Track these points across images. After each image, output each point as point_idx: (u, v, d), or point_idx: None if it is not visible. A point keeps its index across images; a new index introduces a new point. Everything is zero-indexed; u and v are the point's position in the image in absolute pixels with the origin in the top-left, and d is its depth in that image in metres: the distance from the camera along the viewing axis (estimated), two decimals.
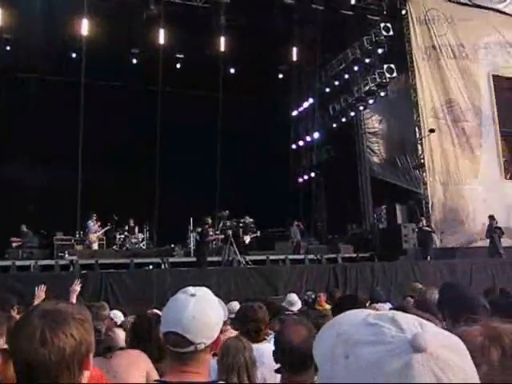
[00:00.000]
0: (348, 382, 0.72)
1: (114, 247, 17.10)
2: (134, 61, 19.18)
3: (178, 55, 19.28)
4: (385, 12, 18.05)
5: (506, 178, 18.64)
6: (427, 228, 16.30)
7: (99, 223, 16.74)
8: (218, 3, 16.08)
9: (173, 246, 16.77)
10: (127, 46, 18.82)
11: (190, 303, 1.84)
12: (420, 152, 17.64)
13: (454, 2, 18.97)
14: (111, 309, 6.43)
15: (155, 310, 5.45)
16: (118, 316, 5.99)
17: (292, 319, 3.46)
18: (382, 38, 18.13)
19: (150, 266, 13.98)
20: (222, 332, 1.97)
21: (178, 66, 19.64)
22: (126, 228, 17.61)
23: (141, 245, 17.77)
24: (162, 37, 16.78)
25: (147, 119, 18.27)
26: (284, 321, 3.66)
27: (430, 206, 17.09)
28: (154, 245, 18.00)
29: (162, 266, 13.96)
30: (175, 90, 19.11)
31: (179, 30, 17.02)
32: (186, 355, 1.84)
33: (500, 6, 19.95)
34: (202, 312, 1.84)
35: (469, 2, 19.25)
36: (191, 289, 1.92)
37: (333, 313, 4.38)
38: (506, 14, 20.08)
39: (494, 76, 19.25)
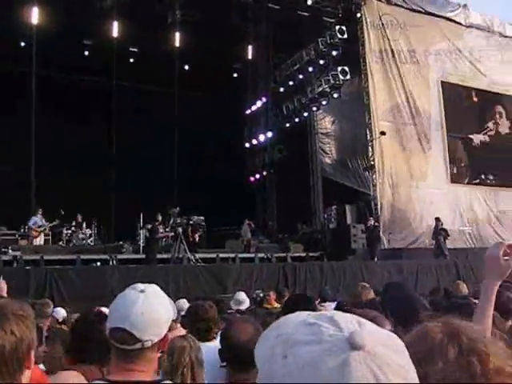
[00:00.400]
0: (286, 382, 0.71)
1: (61, 243, 16.62)
2: (87, 53, 18.73)
3: (131, 49, 18.96)
4: (340, 15, 18.26)
5: (451, 182, 19.16)
6: (375, 228, 16.60)
7: (45, 219, 16.28)
8: None
9: (121, 242, 16.49)
10: (80, 36, 18.36)
11: (139, 299, 1.79)
12: (370, 154, 17.92)
13: (407, 9, 19.37)
14: (56, 306, 6.26)
15: (102, 308, 5.31)
16: (60, 314, 5.83)
17: (239, 317, 3.43)
18: (337, 40, 18.34)
19: (98, 263, 13.68)
20: (170, 330, 1.92)
21: (132, 60, 19.30)
22: (74, 224, 17.16)
23: (88, 241, 17.34)
24: (115, 29, 16.47)
25: (100, 112, 17.94)
26: (230, 319, 3.62)
27: (378, 207, 17.38)
28: (102, 241, 17.63)
29: (110, 263, 13.67)
30: (129, 83, 18.81)
31: (134, 24, 16.73)
32: (133, 353, 1.78)
33: (451, 15, 20.53)
34: (151, 309, 1.79)
35: (421, 10, 19.71)
36: (140, 285, 1.87)
37: (283, 312, 4.37)
38: (456, 22, 20.68)
39: (442, 82, 19.79)
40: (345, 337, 0.72)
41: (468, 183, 19.89)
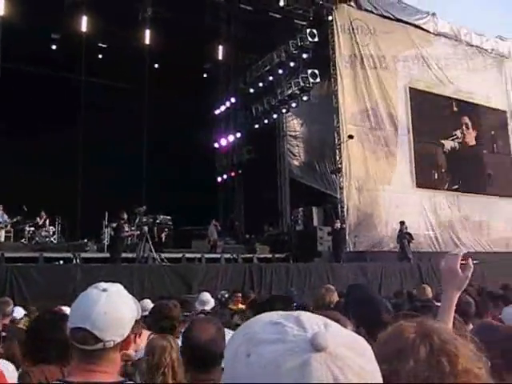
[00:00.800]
0: (248, 381, 0.71)
1: (23, 240, 16.28)
2: (54, 47, 18.38)
3: (100, 44, 18.68)
4: (311, 18, 18.36)
5: (416, 186, 19.46)
6: (341, 231, 16.74)
7: (6, 215, 15.91)
8: None
9: (85, 240, 16.23)
10: (47, 30, 17.99)
11: (102, 298, 1.75)
12: (338, 157, 18.05)
13: (377, 15, 19.61)
14: (16, 305, 6.12)
15: (63, 307, 5.19)
16: (20, 312, 5.70)
17: (201, 318, 3.41)
18: (308, 43, 18.41)
19: (61, 261, 13.42)
20: (134, 331, 1.88)
21: (101, 55, 19.02)
22: (37, 221, 16.81)
23: (51, 238, 17.02)
24: (84, 24, 16.21)
25: (67, 108, 17.63)
26: (192, 319, 3.60)
27: (345, 210, 17.52)
28: (66, 239, 17.33)
29: (74, 262, 13.43)
30: (97, 80, 18.54)
31: (103, 19, 16.48)
32: (94, 353, 1.74)
33: (420, 22, 20.87)
34: (114, 308, 1.75)
35: (391, 16, 19.99)
36: (103, 284, 1.83)
37: (252, 312, 4.36)
38: (425, 30, 21.03)
39: (410, 88, 20.09)
40: (308, 337, 0.73)
41: (448, 189, 20.29)
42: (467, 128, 21.98)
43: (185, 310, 5.43)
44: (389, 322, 2.82)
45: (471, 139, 22.07)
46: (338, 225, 16.72)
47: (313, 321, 0.76)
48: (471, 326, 3.61)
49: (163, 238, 16.00)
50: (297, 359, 0.70)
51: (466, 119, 21.99)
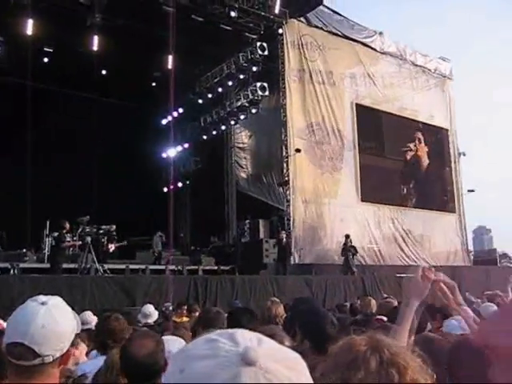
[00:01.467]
0: None
1: None
2: None
3: (46, 49, 18.20)
4: (262, 32, 18.50)
5: (361, 200, 19.82)
6: (286, 243, 16.83)
7: None
8: (94, 0, 15.45)
9: (25, 250, 15.69)
10: None
11: (40, 312, 1.67)
12: (285, 170, 18.21)
13: (326, 31, 19.99)
14: None
15: (0, 321, 4.95)
16: None
17: (140, 331, 3.34)
18: (258, 56, 18.54)
19: None
20: (73, 345, 1.81)
21: (46, 60, 18.54)
22: None
23: None
24: (30, 27, 15.73)
25: (12, 113, 17.11)
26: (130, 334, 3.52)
27: (291, 222, 17.65)
28: (4, 248, 16.70)
29: (11, 272, 12.95)
30: (42, 85, 18.05)
31: (50, 23, 16.05)
32: (32, 369, 1.67)
33: (367, 40, 21.41)
34: (53, 322, 1.68)
35: (340, 33, 20.41)
36: (42, 297, 1.75)
37: (196, 325, 4.29)
38: (372, 48, 21.58)
39: (356, 104, 20.53)
40: (239, 352, 0.76)
41: (391, 204, 20.75)
42: (420, 142, 22.65)
43: (128, 323, 5.28)
44: (333, 336, 2.86)
45: (423, 154, 22.76)
46: (284, 236, 16.80)
47: (247, 337, 0.80)
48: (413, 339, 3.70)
49: (111, 250, 15.62)
50: (228, 373, 0.73)
51: (419, 134, 22.67)
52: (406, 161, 22.20)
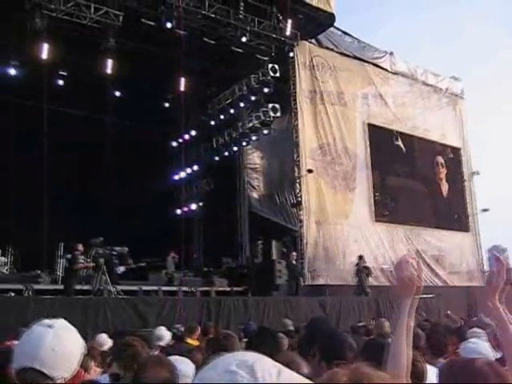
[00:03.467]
0: None
1: None
2: (13, 72, 18.05)
3: (61, 72, 18.49)
4: (273, 54, 18.66)
5: (375, 221, 19.73)
6: (297, 263, 16.78)
7: None
8: (108, 25, 15.70)
9: (39, 272, 15.74)
10: (6, 56, 17.68)
11: (49, 335, 1.68)
12: (298, 190, 18.21)
13: (337, 53, 20.15)
14: None
15: (15, 342, 4.95)
16: None
17: (153, 358, 3.31)
18: (269, 77, 18.66)
19: (12, 293, 12.94)
20: (86, 369, 1.81)
21: (61, 83, 18.82)
22: None
23: (3, 270, 16.49)
24: (45, 52, 15.98)
25: (27, 135, 17.34)
26: (143, 361, 3.50)
27: (304, 243, 17.59)
28: (18, 270, 16.79)
29: (25, 294, 12.99)
30: (57, 107, 18.30)
31: (65, 47, 16.33)
32: None
33: (378, 61, 21.56)
34: (61, 344, 1.68)
35: (350, 54, 20.56)
36: (47, 320, 1.76)
37: (207, 348, 4.26)
38: (382, 68, 21.68)
39: (368, 124, 20.56)
40: None
41: (406, 223, 20.65)
42: (442, 167, 22.68)
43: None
44: (349, 360, 2.82)
45: (443, 177, 22.77)
46: (294, 257, 16.73)
47: (266, 368, 0.80)
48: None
49: (119, 271, 15.63)
50: None
51: (440, 159, 22.70)
52: (426, 183, 22.18)
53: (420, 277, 1.90)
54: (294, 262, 16.67)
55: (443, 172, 22.85)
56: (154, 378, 2.38)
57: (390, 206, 20.56)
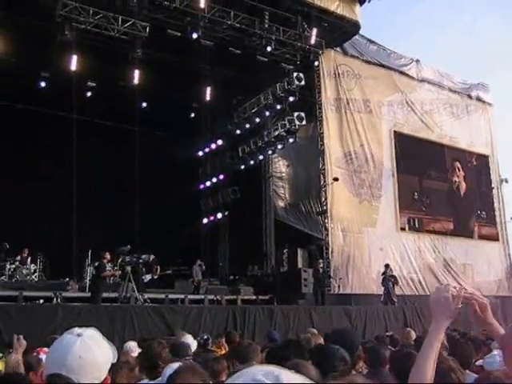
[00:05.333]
0: None
1: (3, 278, 16.01)
2: (43, 84, 18.47)
3: (89, 83, 18.83)
4: (298, 62, 18.70)
5: (401, 229, 19.56)
6: (323, 272, 16.71)
7: None
8: (135, 36, 15.96)
9: (67, 279, 15.97)
10: (37, 68, 18.10)
11: (76, 343, 1.74)
12: (323, 199, 18.17)
13: (362, 61, 20.10)
14: None
15: (44, 348, 5.06)
16: None
17: (185, 367, 3.36)
18: (294, 86, 18.69)
19: (41, 300, 13.15)
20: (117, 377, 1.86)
21: (89, 94, 19.15)
22: (18, 258, 16.57)
23: (33, 276, 16.79)
24: (74, 63, 16.31)
25: (57, 146, 17.68)
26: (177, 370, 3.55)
27: (329, 251, 17.52)
28: (47, 277, 17.07)
29: (54, 301, 13.19)
30: (85, 118, 18.66)
31: (93, 58, 16.64)
32: None
33: (404, 68, 21.44)
34: (89, 352, 1.74)
35: (376, 62, 20.49)
36: (77, 329, 1.82)
37: (231, 356, 4.30)
38: (408, 75, 21.55)
39: (395, 132, 20.43)
40: None
41: (432, 232, 20.51)
42: (459, 170, 22.40)
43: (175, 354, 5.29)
44: (342, 370, 2.86)
45: (462, 182, 22.48)
46: (320, 266, 16.67)
47: (291, 378, 0.82)
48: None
49: (146, 280, 15.78)
50: None
51: (458, 164, 22.41)
52: (448, 190, 21.94)
53: (458, 302, 1.85)
54: (320, 270, 16.61)
55: (461, 175, 22.53)
56: None
57: (426, 203, 20.44)
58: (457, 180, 22.32)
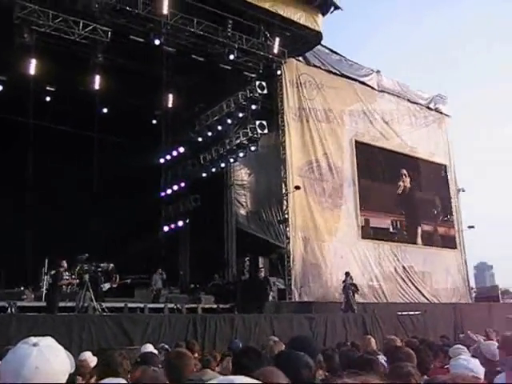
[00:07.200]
0: None
1: None
2: (0, 88, 17.99)
3: (48, 88, 18.45)
4: (261, 71, 18.76)
5: (361, 237, 19.76)
6: (264, 280, 16.95)
7: None
8: (96, 41, 15.72)
9: (23, 288, 15.54)
10: None
11: (32, 353, 1.65)
12: (285, 207, 18.22)
13: (324, 70, 20.30)
14: None
15: None
16: None
17: (150, 374, 3.28)
18: (257, 95, 18.74)
19: None
20: None
21: (48, 98, 18.77)
22: None
23: None
24: (33, 67, 15.93)
25: (14, 151, 17.23)
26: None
27: (291, 260, 17.55)
28: (1, 286, 16.57)
29: (9, 310, 12.79)
30: (43, 123, 18.25)
31: (53, 62, 16.30)
32: None
33: (365, 79, 21.75)
34: (46, 362, 1.66)
35: (338, 72, 20.72)
36: (33, 338, 1.73)
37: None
38: (369, 86, 21.88)
39: (355, 141, 20.67)
40: None
41: (392, 240, 20.72)
42: (406, 176, 22.69)
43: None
44: (308, 377, 2.85)
45: (407, 188, 22.81)
46: (262, 274, 16.87)
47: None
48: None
49: (105, 289, 15.47)
50: None
51: (404, 171, 22.69)
52: (399, 195, 22.24)
53: None
54: (260, 277, 16.91)
55: (408, 181, 22.82)
56: None
57: (377, 223, 20.67)
58: (401, 184, 22.54)
